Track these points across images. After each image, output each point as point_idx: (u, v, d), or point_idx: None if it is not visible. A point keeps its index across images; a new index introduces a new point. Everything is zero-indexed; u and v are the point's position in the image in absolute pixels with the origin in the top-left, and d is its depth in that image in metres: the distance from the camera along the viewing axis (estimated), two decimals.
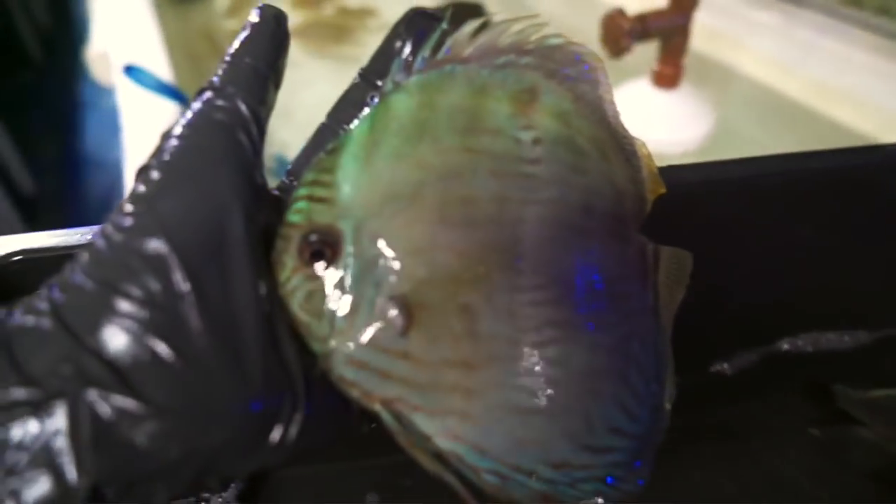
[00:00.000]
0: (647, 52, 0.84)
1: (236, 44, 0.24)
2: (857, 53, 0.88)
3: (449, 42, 0.24)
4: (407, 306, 0.22)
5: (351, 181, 0.22)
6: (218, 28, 1.31)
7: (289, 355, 0.21)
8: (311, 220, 0.22)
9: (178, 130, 0.22)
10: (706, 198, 0.39)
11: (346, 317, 0.21)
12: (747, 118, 0.97)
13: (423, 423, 0.22)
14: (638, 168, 0.25)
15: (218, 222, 0.20)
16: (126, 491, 0.19)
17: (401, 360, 0.22)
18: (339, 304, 0.22)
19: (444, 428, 0.22)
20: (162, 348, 0.19)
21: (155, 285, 0.19)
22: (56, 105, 2.12)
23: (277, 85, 0.25)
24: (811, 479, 0.40)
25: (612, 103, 0.25)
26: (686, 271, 0.26)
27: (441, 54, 0.24)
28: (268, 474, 0.39)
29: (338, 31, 1.27)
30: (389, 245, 0.22)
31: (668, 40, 0.81)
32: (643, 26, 0.77)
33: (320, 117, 0.27)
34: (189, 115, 0.22)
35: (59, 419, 0.18)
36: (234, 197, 0.21)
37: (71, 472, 0.18)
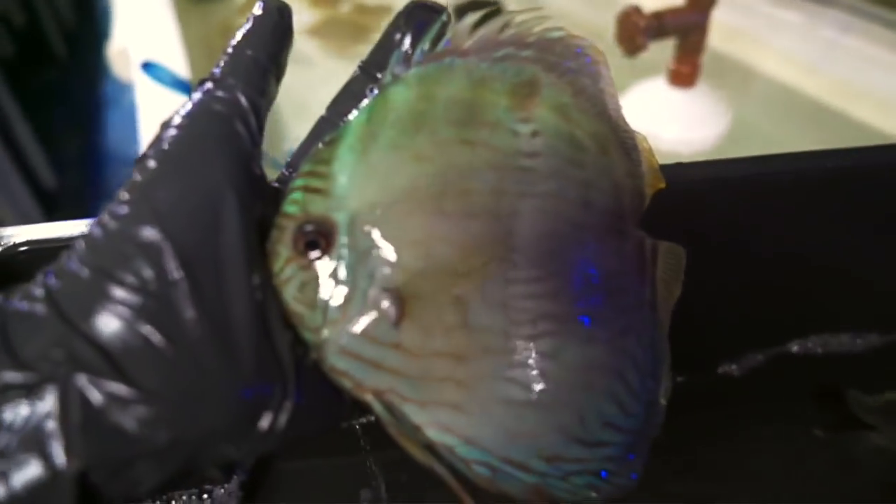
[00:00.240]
0: (664, 51, 0.83)
1: (239, 35, 0.24)
2: (882, 52, 0.87)
3: (448, 34, 0.24)
4: (400, 298, 0.22)
5: (347, 172, 0.22)
6: (235, 25, 1.31)
7: (281, 345, 0.21)
8: (306, 211, 0.22)
9: (176, 120, 0.22)
10: (716, 196, 0.38)
11: (338, 307, 0.22)
12: (767, 118, 0.96)
13: (415, 415, 0.22)
14: (638, 162, 0.25)
15: (212, 211, 0.20)
16: (114, 476, 0.19)
17: (393, 351, 0.22)
18: (332, 294, 0.22)
19: (436, 419, 0.22)
20: (153, 334, 0.19)
21: (148, 272, 0.19)
22: (79, 102, 2.14)
23: (279, 77, 0.25)
24: (818, 483, 0.39)
25: (614, 97, 0.25)
26: (681, 267, 0.25)
27: (441, 47, 0.24)
28: (269, 467, 0.39)
29: (355, 28, 1.28)
30: (384, 236, 0.22)
31: (684, 38, 0.80)
32: (659, 24, 0.76)
33: None
34: (189, 105, 0.22)
35: (49, 403, 0.18)
36: (229, 186, 0.21)
37: (59, 456, 0.18)
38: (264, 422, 0.20)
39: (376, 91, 0.24)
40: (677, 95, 0.84)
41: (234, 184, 0.21)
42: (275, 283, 0.22)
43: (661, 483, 0.38)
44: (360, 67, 0.26)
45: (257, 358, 0.20)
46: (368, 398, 0.22)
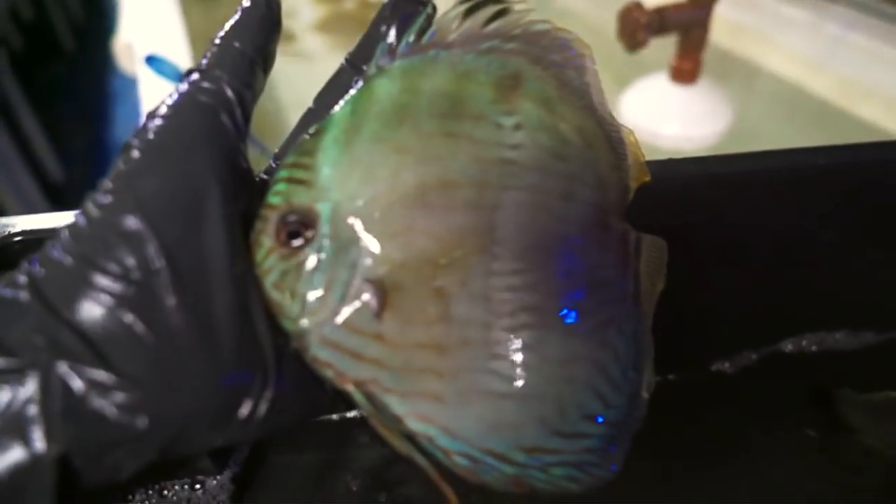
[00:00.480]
0: (666, 47, 0.83)
1: (226, 27, 0.24)
2: (889, 49, 0.86)
3: (434, 27, 0.24)
4: (381, 289, 0.22)
5: (330, 164, 0.22)
6: None
7: (262, 334, 0.21)
8: (289, 202, 0.22)
9: (162, 110, 0.22)
10: (710, 192, 0.38)
11: (318, 298, 0.22)
12: (770, 115, 0.96)
13: (396, 405, 0.22)
14: (623, 156, 0.25)
15: (195, 201, 0.21)
16: (95, 461, 0.19)
17: (374, 342, 0.22)
18: (312, 284, 0.22)
19: (416, 410, 0.22)
20: (135, 322, 0.19)
21: (130, 261, 0.20)
22: (87, 96, 2.16)
23: (266, 69, 0.25)
24: (811, 483, 0.39)
25: (600, 90, 0.25)
26: (664, 259, 0.25)
27: (426, 39, 0.24)
28: (262, 460, 0.39)
29: (360, 24, 1.28)
30: (366, 228, 0.22)
31: (686, 34, 0.80)
32: (661, 20, 0.76)
33: None
34: (175, 96, 0.23)
35: (30, 388, 0.18)
36: (213, 177, 0.21)
37: (40, 441, 0.18)
38: (244, 410, 0.20)
39: (361, 83, 0.24)
40: (679, 92, 0.84)
41: (218, 174, 0.21)
42: (257, 272, 0.22)
43: (651, 480, 0.38)
44: (346, 60, 0.26)
45: (238, 346, 0.20)
46: (350, 388, 0.22)
